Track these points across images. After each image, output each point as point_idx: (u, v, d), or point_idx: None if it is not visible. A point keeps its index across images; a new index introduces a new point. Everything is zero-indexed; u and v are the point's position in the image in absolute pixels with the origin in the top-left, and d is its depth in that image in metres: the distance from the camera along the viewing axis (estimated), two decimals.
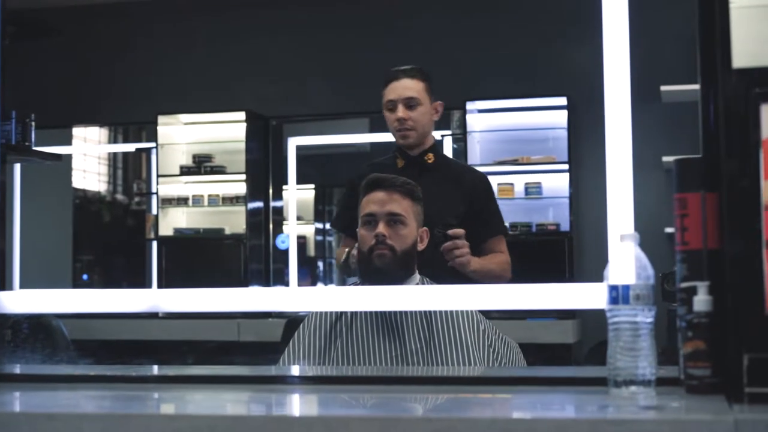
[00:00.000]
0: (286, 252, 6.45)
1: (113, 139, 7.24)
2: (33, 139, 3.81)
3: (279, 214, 6.54)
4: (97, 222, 7.15)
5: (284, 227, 6.51)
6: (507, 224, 5.76)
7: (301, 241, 6.59)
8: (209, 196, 6.47)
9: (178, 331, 5.80)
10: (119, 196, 7.21)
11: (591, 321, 5.54)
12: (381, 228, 2.37)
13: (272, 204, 6.52)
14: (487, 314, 2.41)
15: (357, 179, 3.04)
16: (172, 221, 6.47)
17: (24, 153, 3.86)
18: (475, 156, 5.97)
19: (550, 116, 5.93)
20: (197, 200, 6.49)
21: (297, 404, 1.56)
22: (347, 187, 3.10)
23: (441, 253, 2.61)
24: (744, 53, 1.34)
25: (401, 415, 1.36)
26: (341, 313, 2.34)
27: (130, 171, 7.31)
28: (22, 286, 6.23)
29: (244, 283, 6.21)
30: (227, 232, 6.44)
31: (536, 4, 6.01)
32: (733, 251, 1.32)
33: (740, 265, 1.31)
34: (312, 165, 6.67)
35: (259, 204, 6.47)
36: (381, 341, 2.30)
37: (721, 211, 1.36)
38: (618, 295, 1.36)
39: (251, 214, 6.37)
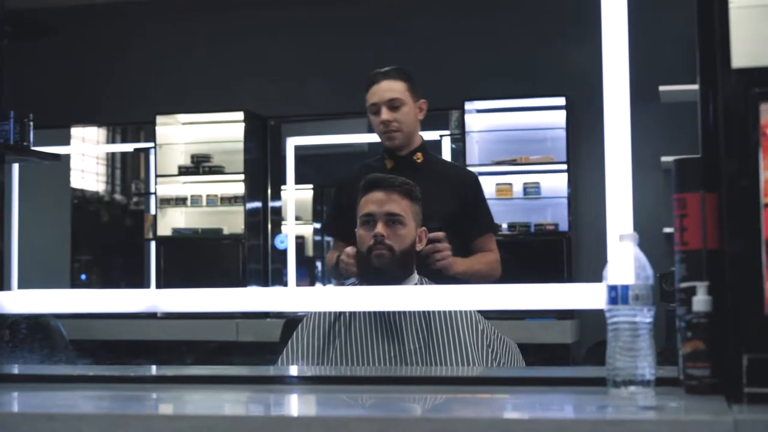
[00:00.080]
0: (284, 252, 6.45)
1: (112, 139, 7.24)
2: (31, 139, 3.80)
3: (277, 214, 6.54)
4: (96, 222, 7.15)
5: (283, 227, 6.50)
6: (505, 224, 5.85)
7: (300, 241, 6.59)
8: (208, 196, 6.47)
9: (176, 331, 5.80)
10: (117, 196, 7.21)
11: (589, 321, 5.54)
12: (380, 228, 2.36)
13: (271, 204, 6.52)
14: (486, 314, 2.40)
15: (346, 182, 3.04)
16: (170, 221, 6.47)
17: (22, 153, 3.86)
18: (473, 156, 5.97)
19: (548, 116, 5.93)
20: (196, 200, 6.49)
21: (296, 404, 1.56)
22: (337, 190, 3.09)
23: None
24: (743, 53, 1.34)
25: (400, 415, 1.36)
26: (340, 313, 2.33)
27: (129, 171, 7.31)
28: (20, 287, 6.23)
29: (242, 283, 6.20)
30: (226, 232, 6.44)
31: (535, 4, 6.01)
32: (733, 251, 1.32)
33: (740, 265, 1.31)
34: (310, 165, 6.67)
35: (258, 204, 6.47)
36: (379, 341, 2.30)
37: (721, 211, 1.36)
38: (617, 295, 1.35)
39: (250, 214, 6.37)
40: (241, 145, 6.33)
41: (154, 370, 1.92)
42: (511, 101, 6.04)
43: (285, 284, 6.45)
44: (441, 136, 6.19)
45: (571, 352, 5.48)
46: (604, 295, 1.38)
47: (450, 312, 2.29)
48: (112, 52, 6.63)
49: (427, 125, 6.25)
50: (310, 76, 6.26)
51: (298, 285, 6.46)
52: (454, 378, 1.90)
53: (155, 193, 6.45)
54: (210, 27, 6.59)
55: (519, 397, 1.52)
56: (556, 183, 5.86)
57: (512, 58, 6.01)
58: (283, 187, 6.53)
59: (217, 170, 6.43)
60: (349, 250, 2.57)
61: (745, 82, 1.32)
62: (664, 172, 5.34)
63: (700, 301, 1.36)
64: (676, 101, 5.16)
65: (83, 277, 6.95)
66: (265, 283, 6.44)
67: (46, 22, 6.47)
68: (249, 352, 5.37)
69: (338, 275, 2.70)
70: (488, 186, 5.96)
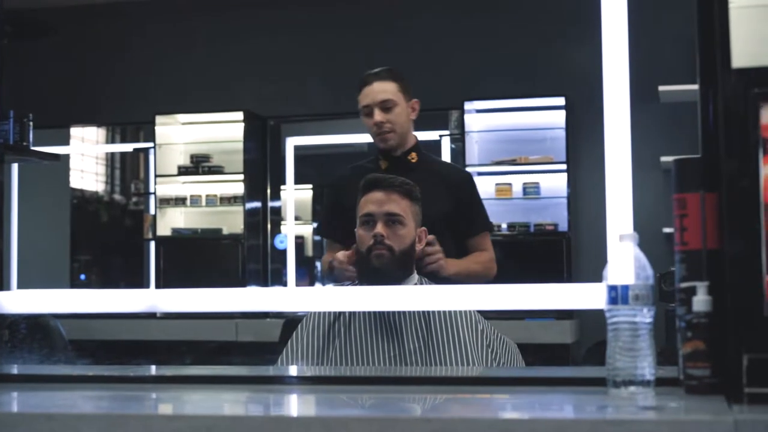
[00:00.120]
0: (284, 252, 6.45)
1: (111, 139, 7.24)
2: (31, 139, 3.80)
3: (277, 214, 6.54)
4: (95, 222, 7.14)
5: (282, 227, 6.50)
6: (505, 224, 5.85)
7: (299, 241, 6.59)
8: (207, 196, 6.46)
9: (176, 331, 5.80)
10: (117, 196, 7.21)
11: (589, 321, 5.55)
12: (379, 228, 2.36)
13: (270, 204, 6.51)
14: (485, 314, 2.40)
15: (339, 183, 3.03)
16: (169, 221, 6.47)
17: (22, 153, 3.85)
18: (473, 156, 5.97)
19: (548, 116, 5.93)
20: (195, 200, 6.48)
21: (295, 404, 1.56)
22: (330, 191, 3.08)
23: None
24: (743, 53, 1.34)
25: (400, 415, 1.36)
26: (339, 313, 2.33)
27: (128, 171, 7.31)
28: (19, 287, 6.23)
29: (242, 283, 6.20)
30: (225, 232, 6.44)
31: (534, 4, 6.01)
32: (733, 251, 1.32)
33: (740, 265, 1.31)
34: (310, 165, 6.67)
35: (257, 204, 6.47)
36: (379, 341, 2.30)
37: (721, 211, 1.36)
38: (617, 295, 1.35)
39: (249, 214, 6.37)
40: (240, 145, 6.33)
41: (153, 370, 1.92)
42: (510, 101, 6.04)
43: (284, 284, 6.45)
44: (440, 136, 6.19)
45: (571, 352, 5.48)
46: (604, 295, 1.37)
47: (450, 312, 2.29)
48: (111, 52, 6.63)
49: (426, 125, 6.30)
50: (310, 76, 6.26)
51: (297, 285, 6.47)
52: (453, 378, 1.90)
53: (155, 193, 6.45)
54: (210, 27, 6.59)
55: (519, 397, 1.52)
56: (555, 183, 5.86)
57: (512, 58, 6.01)
58: (282, 187, 6.53)
59: (217, 170, 6.43)
60: (340, 255, 2.57)
61: (745, 82, 1.32)
62: (663, 172, 5.34)
63: (700, 301, 1.36)
64: (676, 101, 5.17)
65: (82, 277, 6.95)
66: (264, 283, 6.44)
67: (46, 21, 6.47)
68: (248, 352, 5.36)
69: (334, 279, 2.69)
70: (488, 186, 5.96)
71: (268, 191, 6.51)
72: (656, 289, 1.38)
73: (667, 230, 5.07)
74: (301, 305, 1.93)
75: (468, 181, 3.01)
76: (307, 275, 6.71)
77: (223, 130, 6.47)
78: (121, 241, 7.08)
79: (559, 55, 5.75)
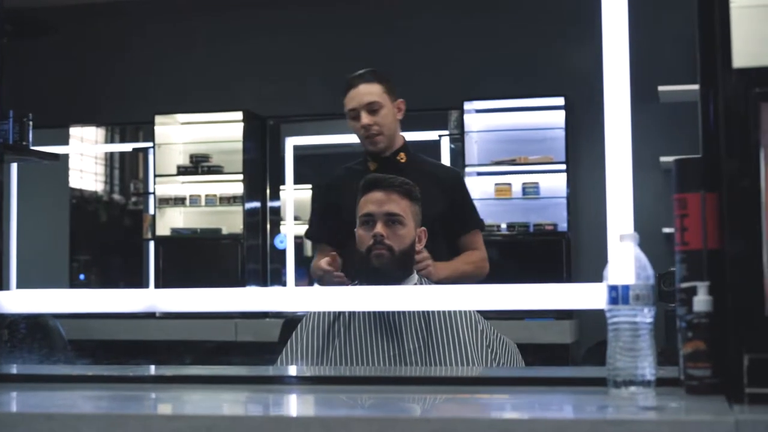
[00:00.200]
0: (283, 252, 6.45)
1: (110, 139, 7.23)
2: (31, 139, 3.80)
3: (276, 214, 6.53)
4: (94, 222, 7.14)
5: (281, 227, 6.50)
6: (504, 224, 5.85)
7: (299, 241, 6.58)
8: (206, 196, 6.46)
9: (175, 331, 5.80)
10: (116, 196, 7.20)
11: (589, 321, 5.54)
12: (379, 228, 2.36)
13: (269, 204, 6.51)
14: (485, 314, 2.40)
15: (329, 185, 3.03)
16: (169, 221, 6.47)
17: (22, 152, 3.86)
18: (472, 156, 5.97)
19: (547, 116, 5.93)
20: (194, 200, 6.48)
21: (295, 404, 1.56)
22: (319, 194, 3.06)
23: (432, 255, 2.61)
24: (744, 53, 1.34)
25: (400, 415, 1.36)
26: (339, 313, 2.33)
27: (127, 171, 7.30)
28: (19, 286, 6.22)
29: (241, 283, 6.20)
30: (224, 232, 6.44)
31: (534, 4, 6.01)
32: (734, 251, 1.32)
33: (740, 266, 1.31)
34: (309, 165, 6.66)
35: (257, 204, 6.46)
36: (379, 341, 2.30)
37: (722, 212, 1.36)
38: (618, 295, 1.35)
39: (248, 214, 6.37)
40: (240, 145, 6.33)
41: (152, 370, 1.91)
42: (510, 101, 6.04)
43: (284, 284, 6.45)
44: (440, 136, 6.19)
45: (570, 352, 5.48)
46: (604, 295, 1.37)
47: (449, 312, 2.28)
48: (111, 51, 6.62)
49: (426, 125, 6.29)
50: (310, 76, 6.25)
51: (296, 285, 6.46)
52: (453, 378, 1.90)
53: (154, 193, 6.45)
54: (210, 27, 6.59)
55: (519, 397, 1.52)
56: (555, 183, 5.86)
57: (511, 58, 6.01)
58: (282, 187, 6.53)
59: (216, 170, 6.43)
60: (323, 264, 2.57)
61: (745, 82, 1.32)
62: (663, 172, 5.34)
63: (701, 301, 1.36)
64: (676, 101, 5.16)
65: (82, 277, 6.94)
66: (263, 283, 6.43)
67: (46, 21, 6.46)
68: (248, 352, 5.36)
69: (326, 285, 2.68)
70: (487, 186, 5.97)
71: (268, 191, 6.51)
72: (656, 289, 1.38)
73: (666, 230, 5.07)
74: (300, 305, 1.93)
75: (458, 180, 3.01)
76: (306, 275, 6.69)
77: (222, 130, 6.46)
78: (121, 241, 7.07)
79: (559, 55, 5.75)
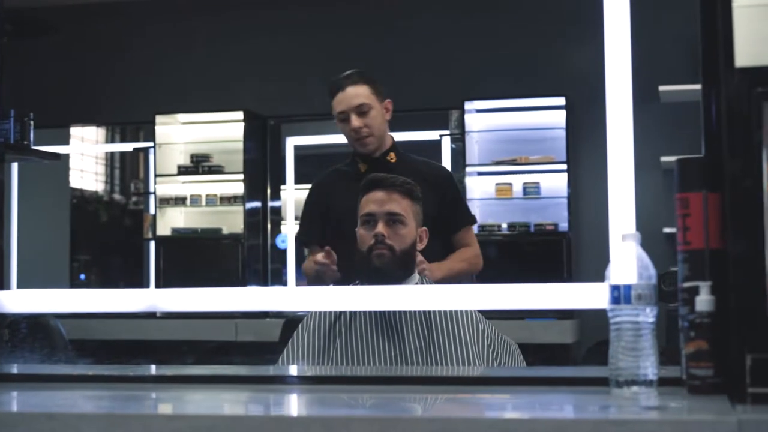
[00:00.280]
0: (284, 252, 6.45)
1: (111, 139, 7.23)
2: (32, 138, 3.79)
3: (277, 214, 6.53)
4: (95, 222, 7.14)
5: (282, 227, 6.50)
6: (505, 224, 5.85)
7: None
8: (207, 195, 6.46)
9: (175, 331, 5.80)
10: (117, 196, 7.20)
11: (589, 321, 5.54)
12: (380, 228, 2.36)
13: (270, 204, 6.51)
14: (485, 314, 2.40)
15: (318, 188, 3.02)
16: (169, 221, 6.46)
17: (23, 152, 3.85)
18: (473, 156, 5.97)
19: (548, 116, 5.93)
20: (195, 200, 6.48)
21: (296, 404, 1.55)
22: (309, 197, 3.04)
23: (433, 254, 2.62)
24: (746, 52, 1.33)
25: (401, 415, 1.35)
26: (340, 312, 2.33)
27: (128, 171, 7.30)
28: (19, 286, 6.22)
29: (242, 283, 6.20)
30: (225, 231, 6.43)
31: (534, 4, 6.01)
32: (736, 251, 1.31)
33: (743, 265, 1.30)
34: (310, 165, 6.66)
35: (257, 204, 6.46)
36: (380, 341, 2.29)
37: (724, 211, 1.35)
38: (620, 294, 1.35)
39: (249, 214, 6.37)
40: (240, 145, 6.32)
41: (153, 369, 1.91)
42: (511, 101, 6.04)
43: (284, 284, 6.44)
44: (441, 136, 6.19)
45: (571, 352, 5.48)
46: (606, 295, 1.37)
47: (451, 312, 2.28)
48: (111, 51, 6.62)
49: (426, 125, 6.28)
50: (310, 76, 6.23)
51: (297, 285, 6.46)
52: (455, 378, 1.90)
53: (154, 193, 6.45)
54: (210, 27, 6.58)
55: (520, 397, 1.51)
56: (556, 183, 5.86)
57: (512, 58, 6.01)
58: (282, 186, 6.52)
59: (217, 170, 6.42)
60: (319, 258, 2.57)
61: (748, 82, 1.32)
62: (663, 172, 5.34)
63: (703, 300, 1.35)
64: (676, 101, 5.16)
65: (82, 276, 6.94)
66: (264, 283, 6.43)
67: (46, 21, 6.46)
68: (248, 352, 5.36)
69: (321, 282, 2.67)
70: (488, 186, 5.97)
71: (268, 191, 6.51)
72: (656, 289, 1.37)
73: (667, 230, 5.07)
74: (301, 305, 1.92)
75: (448, 178, 3.01)
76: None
77: (223, 130, 6.46)
78: (121, 241, 7.07)
79: (560, 54, 5.74)
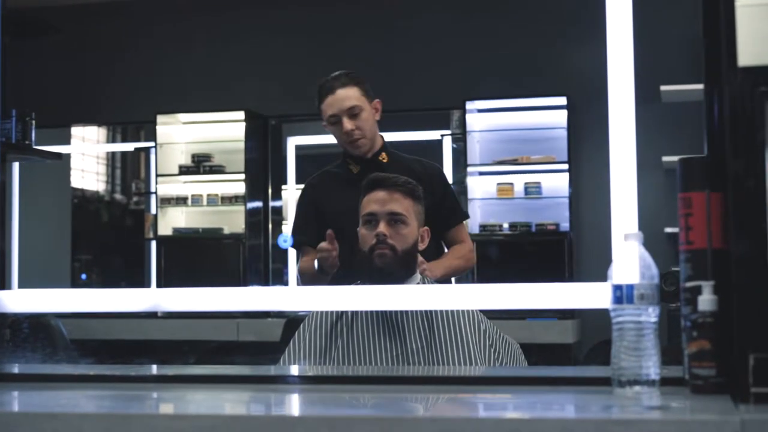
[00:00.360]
0: (285, 251, 6.45)
1: (112, 139, 7.23)
2: (33, 138, 3.80)
3: (278, 214, 6.53)
4: (96, 222, 7.14)
5: (283, 227, 6.50)
6: (506, 224, 5.84)
7: None
8: (208, 195, 6.46)
9: (177, 330, 5.80)
10: (118, 196, 7.20)
11: (591, 321, 5.54)
12: (382, 227, 2.36)
13: (271, 204, 6.51)
14: (487, 314, 2.40)
15: (309, 191, 3.01)
16: (171, 221, 6.47)
17: (24, 152, 3.85)
18: (474, 156, 5.97)
19: (549, 116, 5.93)
20: (196, 200, 6.48)
21: (298, 404, 1.55)
22: (300, 200, 3.03)
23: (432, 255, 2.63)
24: (749, 52, 1.33)
25: (403, 415, 1.35)
26: (342, 312, 2.33)
27: (129, 170, 7.30)
28: (20, 286, 6.22)
29: (243, 282, 6.20)
30: (226, 231, 6.44)
31: (535, 4, 6.01)
32: (739, 251, 1.31)
33: (746, 265, 1.30)
34: (311, 165, 6.65)
35: (258, 204, 6.46)
36: (382, 341, 2.29)
37: (726, 211, 1.35)
38: (622, 294, 1.35)
39: (250, 214, 6.37)
40: (241, 145, 6.33)
41: (154, 369, 1.91)
42: (512, 101, 6.04)
43: (285, 284, 6.45)
44: (442, 135, 6.19)
45: (573, 352, 5.48)
46: (608, 295, 1.37)
47: (452, 312, 2.28)
48: (112, 51, 6.62)
49: (427, 125, 6.27)
50: (311, 76, 6.23)
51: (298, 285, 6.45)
52: (456, 378, 1.90)
53: (156, 193, 6.45)
54: (210, 27, 6.58)
55: (523, 397, 1.51)
56: (557, 183, 5.86)
57: (513, 57, 6.01)
58: (283, 186, 6.53)
59: (218, 170, 6.43)
60: (323, 245, 2.56)
61: (751, 81, 1.31)
62: (665, 172, 5.34)
63: (706, 300, 1.35)
64: (678, 101, 5.16)
65: (83, 276, 6.94)
66: (265, 283, 6.43)
67: (48, 21, 6.46)
68: (250, 352, 5.36)
69: (323, 275, 2.67)
70: (489, 186, 5.97)
71: (270, 191, 6.51)
72: (659, 288, 1.37)
73: (668, 230, 5.07)
74: (302, 305, 1.92)
75: (440, 175, 3.00)
76: None
77: (224, 130, 6.46)
78: (122, 241, 7.07)
79: (561, 54, 5.74)
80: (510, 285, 1.70)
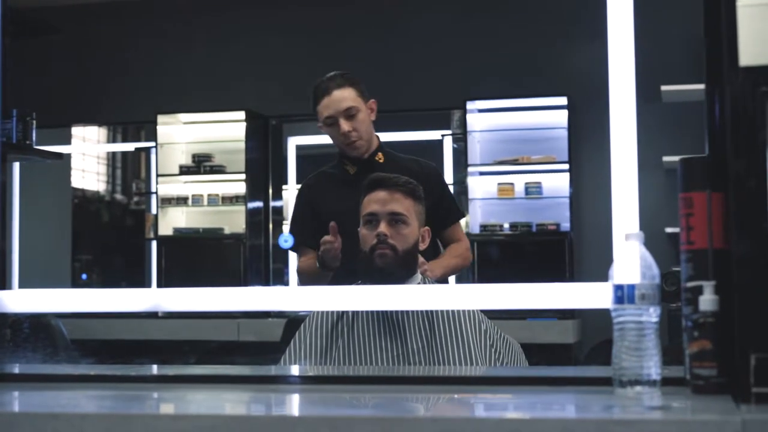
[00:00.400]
0: (286, 252, 6.44)
1: (112, 139, 7.23)
2: (34, 138, 3.80)
3: (279, 214, 6.53)
4: (96, 222, 7.14)
5: (284, 227, 6.50)
6: (507, 224, 5.84)
7: None
8: (209, 195, 6.46)
9: (177, 330, 5.80)
10: (118, 196, 7.20)
11: (591, 321, 5.54)
12: (383, 227, 2.36)
13: (272, 204, 6.51)
14: (488, 314, 2.40)
15: (305, 192, 3.01)
16: (171, 221, 6.47)
17: (25, 151, 3.85)
18: (475, 156, 5.97)
19: (550, 116, 5.93)
20: (197, 200, 6.48)
21: (298, 404, 1.55)
22: (297, 202, 3.03)
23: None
24: (750, 51, 1.33)
25: (404, 415, 1.35)
26: (343, 312, 2.33)
27: (130, 171, 7.30)
28: (21, 286, 6.22)
29: (243, 282, 6.20)
30: (227, 231, 6.44)
31: (536, 4, 6.01)
32: (740, 251, 1.31)
33: (747, 265, 1.30)
34: (312, 165, 6.64)
35: (259, 204, 6.46)
36: (383, 341, 2.29)
37: (728, 211, 1.35)
38: (623, 294, 1.35)
39: (251, 214, 6.37)
40: (242, 145, 6.33)
41: (155, 369, 1.91)
42: (512, 101, 6.04)
43: (286, 284, 6.45)
44: (443, 135, 6.19)
45: (573, 352, 5.47)
46: (609, 295, 1.37)
47: (453, 311, 2.28)
48: (113, 51, 6.62)
49: (428, 125, 6.27)
50: (311, 76, 6.24)
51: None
52: (457, 378, 1.90)
53: (156, 193, 6.45)
54: (210, 27, 6.58)
55: (524, 397, 1.51)
56: (557, 183, 5.86)
57: (514, 57, 6.01)
58: (284, 186, 6.53)
59: (219, 170, 6.43)
60: (326, 237, 2.56)
61: (752, 81, 1.31)
62: (666, 172, 5.34)
63: (707, 300, 1.35)
64: (678, 101, 5.16)
65: (84, 276, 6.94)
66: (266, 283, 6.43)
67: (48, 21, 6.46)
68: (250, 352, 5.36)
69: (324, 271, 2.67)
70: (490, 186, 5.97)
71: (270, 191, 6.51)
72: (660, 288, 1.37)
73: (669, 230, 5.07)
74: (303, 305, 1.92)
75: (436, 174, 3.00)
76: None
77: (224, 130, 6.46)
78: (123, 241, 7.07)
79: (561, 54, 5.75)
80: (511, 285, 1.70)
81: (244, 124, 6.35)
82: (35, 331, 2.47)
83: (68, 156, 6.82)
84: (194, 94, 6.47)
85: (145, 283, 6.58)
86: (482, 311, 2.36)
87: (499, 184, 5.94)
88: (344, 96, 2.86)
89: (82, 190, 7.06)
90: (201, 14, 6.59)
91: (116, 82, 6.61)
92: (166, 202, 6.44)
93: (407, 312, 2.28)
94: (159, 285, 6.31)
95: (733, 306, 1.32)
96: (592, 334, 5.47)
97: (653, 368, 1.34)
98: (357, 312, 2.31)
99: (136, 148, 7.01)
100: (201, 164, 6.44)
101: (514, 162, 5.90)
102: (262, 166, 6.49)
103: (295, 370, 2.16)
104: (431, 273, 2.58)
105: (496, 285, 1.72)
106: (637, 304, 1.34)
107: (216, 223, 6.47)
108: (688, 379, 1.38)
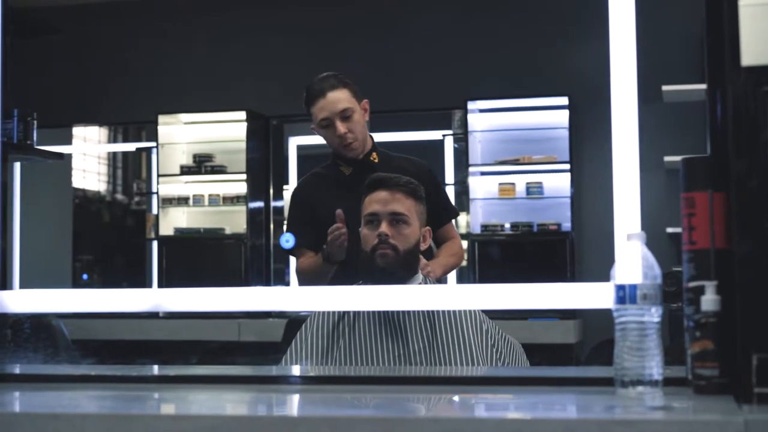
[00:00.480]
0: (287, 252, 6.44)
1: (113, 139, 7.24)
2: (35, 138, 3.80)
3: (280, 214, 6.53)
4: (97, 222, 7.14)
5: (285, 227, 6.49)
6: (508, 224, 5.84)
7: None
8: (210, 195, 6.46)
9: (178, 331, 5.80)
10: (119, 196, 7.20)
11: (592, 321, 5.54)
12: (384, 227, 2.36)
13: (273, 204, 6.51)
14: (489, 314, 2.40)
15: (301, 191, 3.01)
16: (172, 221, 6.47)
17: (26, 152, 3.86)
18: (476, 156, 5.96)
19: (551, 116, 5.92)
20: (198, 200, 6.48)
21: (299, 405, 1.55)
22: (293, 199, 3.03)
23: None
24: (753, 51, 1.33)
25: (405, 415, 1.35)
26: (344, 313, 2.33)
27: (130, 171, 7.30)
28: (21, 286, 6.23)
29: (244, 283, 6.20)
30: (228, 231, 6.43)
31: (536, 4, 6.01)
32: (742, 251, 1.31)
33: (749, 265, 1.30)
34: (313, 165, 6.63)
35: (260, 204, 6.46)
36: (384, 341, 2.29)
37: (730, 211, 1.35)
38: (625, 294, 1.34)
39: (252, 214, 6.36)
40: (243, 145, 6.33)
41: (156, 370, 1.91)
42: (513, 101, 6.04)
43: (287, 284, 6.44)
44: (444, 135, 6.19)
45: (574, 352, 5.47)
46: (611, 295, 1.37)
47: (454, 312, 2.28)
48: (113, 51, 6.62)
49: (429, 125, 6.26)
50: (312, 76, 6.24)
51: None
52: (458, 378, 1.90)
53: (157, 193, 6.45)
54: (211, 27, 6.58)
55: (525, 397, 1.51)
56: (559, 183, 5.86)
57: (515, 57, 6.01)
58: (285, 186, 6.53)
59: (220, 170, 6.42)
60: (335, 225, 2.56)
61: (754, 80, 1.31)
62: (667, 172, 5.33)
63: (709, 300, 1.35)
64: (679, 101, 5.16)
65: (85, 277, 6.95)
66: (267, 283, 6.43)
67: (49, 21, 6.47)
68: (251, 352, 5.36)
69: (330, 261, 2.67)
70: (491, 186, 5.96)
71: (271, 191, 6.51)
72: (661, 288, 1.37)
73: (670, 230, 5.07)
74: (304, 305, 1.92)
75: (429, 172, 3.00)
76: None
77: (225, 130, 6.46)
78: (124, 241, 7.07)
79: (562, 54, 5.74)
80: (512, 285, 1.70)
81: (244, 124, 6.35)
82: (36, 332, 2.47)
83: (69, 156, 6.82)
84: (195, 94, 6.47)
85: (146, 283, 6.58)
86: (483, 311, 2.36)
87: (500, 184, 5.93)
88: (339, 97, 2.86)
89: (83, 190, 7.06)
90: (201, 14, 6.59)
91: (117, 82, 6.61)
92: (167, 202, 6.44)
93: (408, 312, 2.28)
94: (160, 285, 6.31)
95: (735, 306, 1.32)
96: (593, 334, 5.47)
97: (655, 368, 1.34)
98: (358, 312, 2.31)
99: (137, 148, 7.01)
100: (202, 164, 6.44)
101: (515, 162, 5.90)
102: (263, 166, 6.49)
103: (296, 370, 2.16)
104: (433, 273, 2.59)
105: (497, 285, 1.72)
106: (639, 304, 1.34)
107: (217, 223, 6.47)
108: (690, 379, 1.38)
